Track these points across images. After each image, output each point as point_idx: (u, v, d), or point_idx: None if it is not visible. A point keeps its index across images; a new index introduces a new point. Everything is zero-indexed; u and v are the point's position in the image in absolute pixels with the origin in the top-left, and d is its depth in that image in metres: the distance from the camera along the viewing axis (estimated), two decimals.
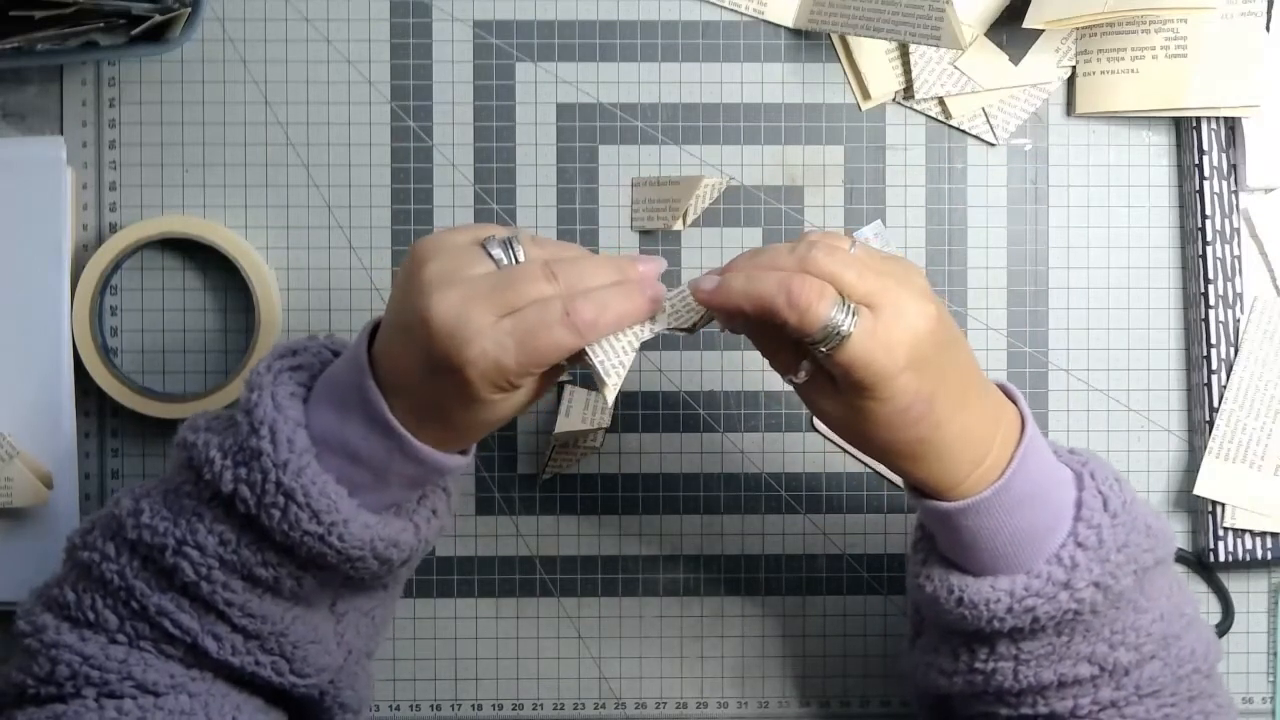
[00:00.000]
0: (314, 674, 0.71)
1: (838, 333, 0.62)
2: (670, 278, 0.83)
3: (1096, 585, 0.67)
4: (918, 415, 0.64)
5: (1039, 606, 0.66)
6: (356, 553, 0.66)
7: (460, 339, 0.61)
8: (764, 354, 0.67)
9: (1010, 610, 0.67)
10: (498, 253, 0.64)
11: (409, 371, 0.64)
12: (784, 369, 0.66)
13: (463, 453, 0.69)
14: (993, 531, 0.67)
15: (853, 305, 0.62)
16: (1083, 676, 0.69)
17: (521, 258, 0.64)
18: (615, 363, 0.64)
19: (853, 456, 0.86)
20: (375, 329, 0.67)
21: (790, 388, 0.67)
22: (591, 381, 0.86)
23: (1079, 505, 0.68)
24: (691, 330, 0.67)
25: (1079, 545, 0.67)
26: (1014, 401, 0.69)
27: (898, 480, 0.85)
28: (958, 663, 0.71)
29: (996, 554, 0.67)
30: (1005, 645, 0.69)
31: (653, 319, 0.65)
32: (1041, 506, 0.67)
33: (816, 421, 0.87)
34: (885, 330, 0.62)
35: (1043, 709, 0.70)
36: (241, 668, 0.69)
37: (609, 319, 0.63)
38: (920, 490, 0.69)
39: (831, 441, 0.87)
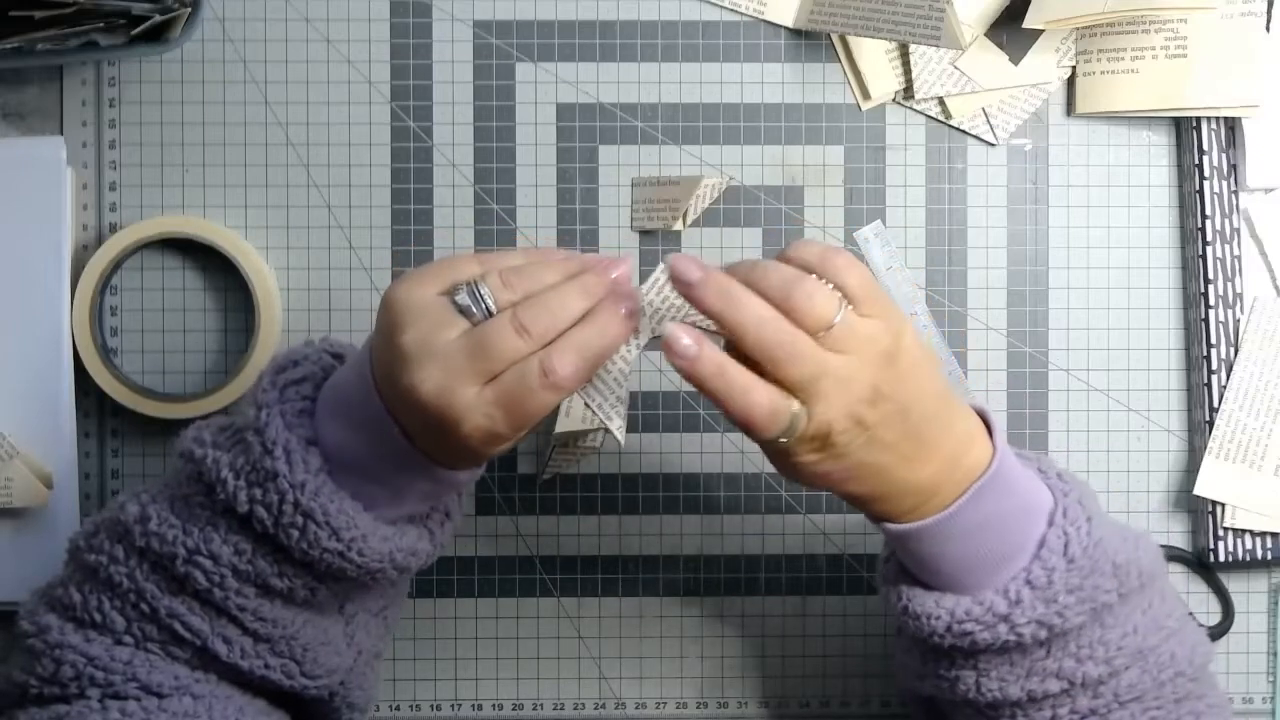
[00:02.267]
0: (324, 676, 0.71)
1: (779, 443, 0.63)
2: None
3: (1040, 623, 0.66)
4: (839, 479, 0.65)
5: (977, 632, 0.66)
6: (376, 565, 0.67)
7: (451, 418, 0.61)
8: None
9: (949, 629, 0.66)
10: (465, 302, 0.62)
11: (410, 424, 0.64)
12: None
13: (477, 465, 0.69)
14: (939, 556, 0.67)
15: (800, 410, 0.62)
16: (1052, 690, 0.68)
17: (491, 305, 0.63)
18: (612, 400, 0.63)
19: None
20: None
21: None
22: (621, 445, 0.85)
23: (1042, 543, 0.67)
24: None
25: (1028, 583, 0.66)
26: (990, 430, 0.68)
27: None
28: (925, 667, 0.71)
29: (944, 575, 0.67)
30: (963, 657, 0.68)
31: (636, 332, 0.64)
32: (996, 538, 0.66)
33: None
34: (808, 426, 0.62)
35: None
36: (251, 670, 0.69)
37: (588, 365, 0.62)
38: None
39: None
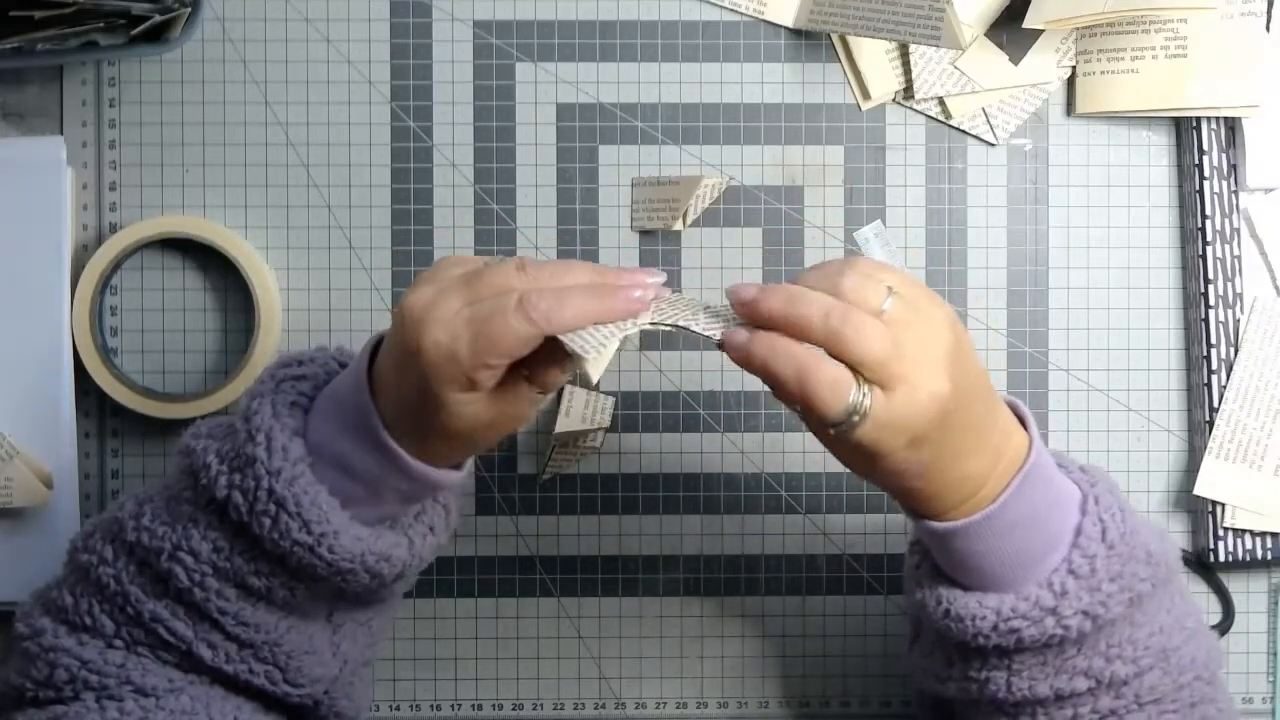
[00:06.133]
0: (308, 684, 0.71)
1: (850, 422, 0.61)
2: (670, 279, 0.83)
3: (1085, 614, 0.66)
4: (914, 474, 0.64)
5: (1024, 629, 0.66)
6: (346, 565, 0.66)
7: (422, 325, 0.61)
8: None
9: (995, 629, 0.66)
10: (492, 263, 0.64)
11: (388, 369, 0.64)
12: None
13: (457, 468, 0.68)
14: (981, 554, 0.66)
15: (866, 389, 0.61)
16: (1079, 689, 0.68)
17: None
18: (594, 343, 0.62)
19: None
20: (378, 345, 0.66)
21: None
22: (591, 384, 0.86)
23: (1078, 532, 0.67)
24: (673, 330, 0.65)
25: (1071, 573, 0.66)
26: (1024, 423, 0.68)
27: None
28: (951, 669, 0.70)
29: (985, 574, 0.67)
30: (997, 656, 0.68)
31: (636, 315, 0.63)
32: (1037, 531, 0.66)
33: None
34: (894, 413, 0.61)
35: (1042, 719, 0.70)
36: (235, 676, 0.69)
37: (567, 313, 0.61)
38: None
39: None
